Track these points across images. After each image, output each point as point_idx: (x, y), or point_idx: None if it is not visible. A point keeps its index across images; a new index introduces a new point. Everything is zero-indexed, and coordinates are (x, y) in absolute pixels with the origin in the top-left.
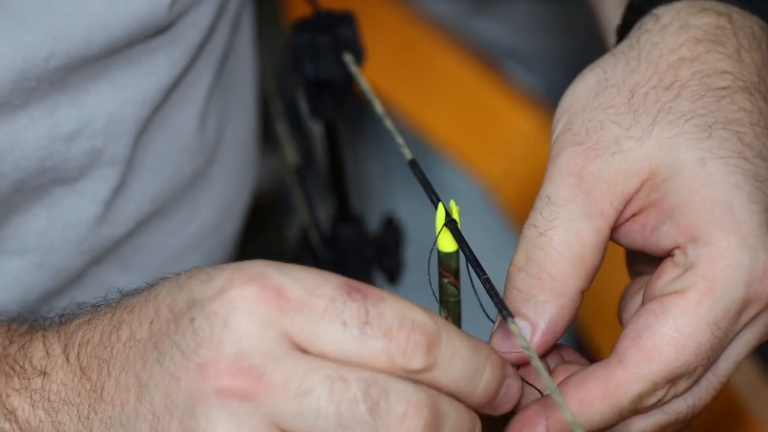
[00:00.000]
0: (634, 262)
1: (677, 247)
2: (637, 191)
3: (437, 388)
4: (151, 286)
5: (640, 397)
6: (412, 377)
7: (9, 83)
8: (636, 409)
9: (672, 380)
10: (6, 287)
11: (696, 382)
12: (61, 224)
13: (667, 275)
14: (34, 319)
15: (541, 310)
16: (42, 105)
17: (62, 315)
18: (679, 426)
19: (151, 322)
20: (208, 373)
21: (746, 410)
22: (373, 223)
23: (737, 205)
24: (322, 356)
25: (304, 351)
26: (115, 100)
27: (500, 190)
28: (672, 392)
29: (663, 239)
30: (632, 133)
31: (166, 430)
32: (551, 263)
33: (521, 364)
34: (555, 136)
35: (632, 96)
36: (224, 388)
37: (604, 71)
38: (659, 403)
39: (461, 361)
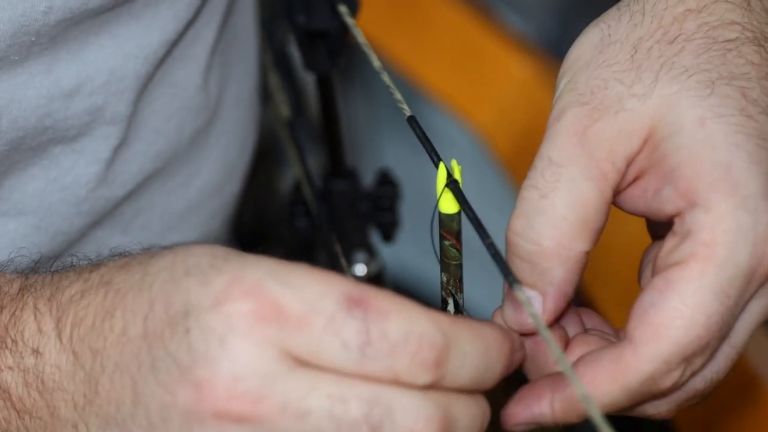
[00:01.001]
0: (652, 225)
1: (677, 215)
2: (639, 151)
3: (446, 391)
4: (145, 252)
5: (653, 379)
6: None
7: (7, 37)
8: (651, 392)
9: (686, 359)
10: (2, 250)
11: (711, 356)
12: (60, 185)
13: (667, 246)
14: (25, 275)
15: (548, 277)
16: (41, 61)
17: (54, 272)
18: (697, 401)
19: (145, 318)
20: (205, 395)
21: (758, 379)
22: (366, 178)
23: (737, 166)
24: (323, 370)
25: (304, 364)
26: (116, 55)
27: (494, 138)
28: (689, 371)
29: (665, 204)
30: (635, 91)
31: None
32: (554, 228)
33: (533, 334)
34: (558, 94)
35: (635, 51)
36: (221, 412)
37: (608, 26)
38: (676, 385)
39: (471, 367)
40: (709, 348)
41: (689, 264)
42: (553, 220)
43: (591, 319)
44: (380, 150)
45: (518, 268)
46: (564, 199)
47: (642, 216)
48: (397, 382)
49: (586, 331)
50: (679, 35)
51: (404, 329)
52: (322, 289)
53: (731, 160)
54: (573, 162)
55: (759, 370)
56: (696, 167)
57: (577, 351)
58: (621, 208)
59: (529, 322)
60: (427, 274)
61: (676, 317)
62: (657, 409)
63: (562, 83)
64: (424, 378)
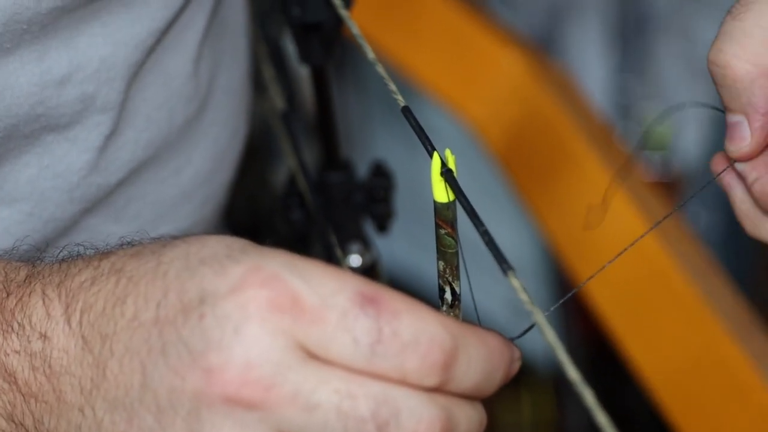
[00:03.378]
0: None
1: None
2: None
3: (450, 395)
4: (156, 241)
5: None
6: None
7: (0, 26)
8: None
9: None
10: None
11: None
12: (53, 172)
13: None
14: (32, 264)
15: (745, 98)
16: (33, 49)
17: (61, 260)
18: None
19: (158, 305)
20: (215, 380)
21: (736, 352)
22: (358, 170)
23: None
24: (334, 365)
25: (315, 358)
26: (106, 43)
27: (486, 132)
28: None
29: None
30: None
31: (169, 426)
32: (742, 47)
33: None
34: None
35: None
36: (231, 397)
37: None
38: None
39: (476, 372)
40: None
41: None
42: (740, 40)
43: None
44: (371, 143)
45: (722, 96)
46: (753, 18)
47: None
48: (404, 383)
49: None
50: None
51: (415, 330)
52: (337, 284)
53: None
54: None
55: (740, 346)
56: None
57: None
58: None
59: (743, 147)
60: (416, 266)
61: None
62: None
63: None
64: (432, 380)
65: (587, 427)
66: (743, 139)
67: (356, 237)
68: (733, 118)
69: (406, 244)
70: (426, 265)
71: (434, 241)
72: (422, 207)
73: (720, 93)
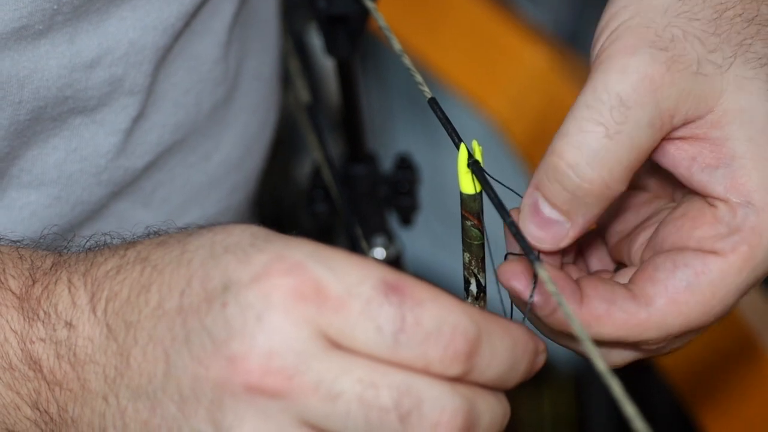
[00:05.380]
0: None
1: (725, 201)
2: (700, 118)
3: (472, 386)
4: (182, 231)
5: (647, 342)
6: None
7: (27, 2)
8: (637, 345)
9: (685, 334)
10: (24, 221)
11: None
12: (80, 155)
13: (707, 229)
14: (58, 252)
15: (584, 210)
16: (64, 31)
17: (87, 249)
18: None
19: (182, 293)
20: (238, 369)
21: (757, 343)
22: (380, 163)
23: None
24: (357, 354)
25: (338, 346)
26: (135, 27)
27: (508, 127)
28: (678, 342)
29: (714, 185)
30: (713, 58)
31: (192, 415)
32: (610, 170)
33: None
34: (620, 22)
35: (719, 16)
36: (254, 386)
37: None
38: (659, 349)
39: (499, 363)
40: (704, 328)
41: (730, 258)
42: (611, 162)
43: (593, 255)
44: (391, 138)
45: (555, 192)
46: (625, 144)
47: (671, 172)
48: (427, 372)
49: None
50: (756, 16)
51: (439, 318)
52: (361, 273)
53: None
54: (641, 106)
55: (760, 336)
56: (760, 167)
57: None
58: (657, 161)
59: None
60: (436, 263)
61: (701, 302)
62: (623, 358)
63: (626, 15)
64: (455, 369)
65: (607, 425)
66: (564, 237)
67: (380, 230)
68: (556, 216)
69: (426, 240)
70: (446, 263)
71: (454, 239)
72: (443, 204)
73: (553, 188)
